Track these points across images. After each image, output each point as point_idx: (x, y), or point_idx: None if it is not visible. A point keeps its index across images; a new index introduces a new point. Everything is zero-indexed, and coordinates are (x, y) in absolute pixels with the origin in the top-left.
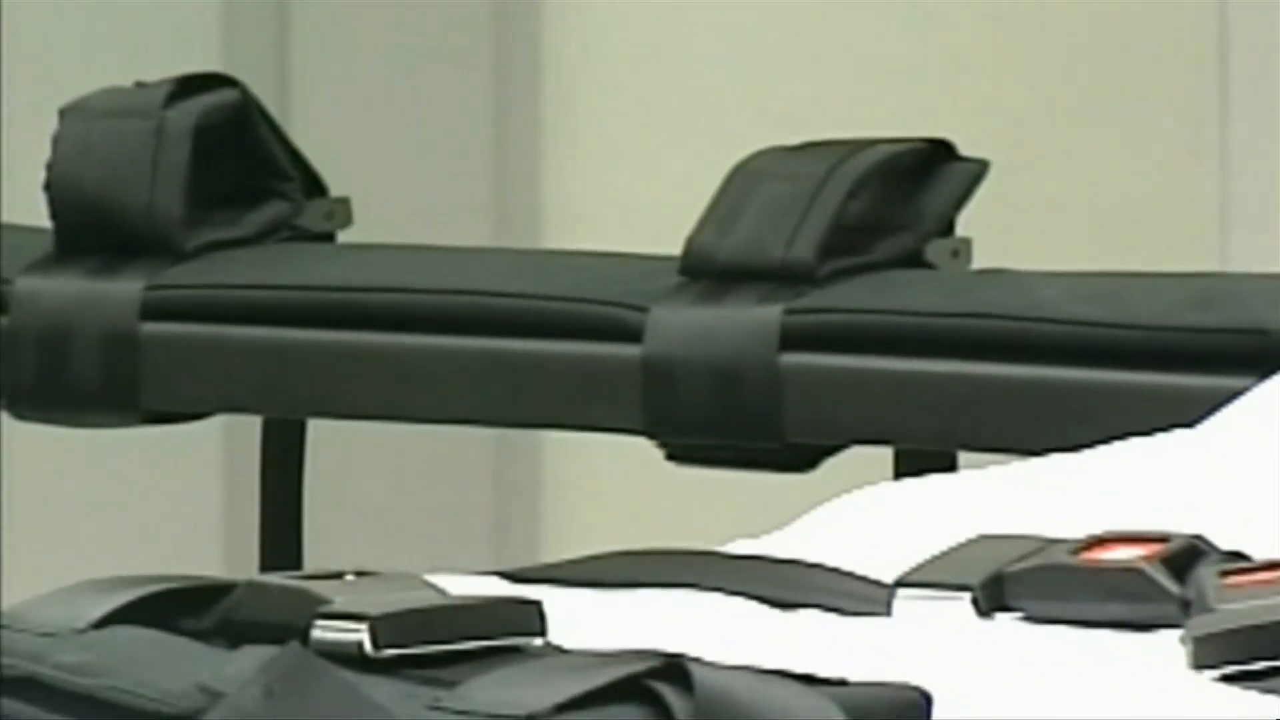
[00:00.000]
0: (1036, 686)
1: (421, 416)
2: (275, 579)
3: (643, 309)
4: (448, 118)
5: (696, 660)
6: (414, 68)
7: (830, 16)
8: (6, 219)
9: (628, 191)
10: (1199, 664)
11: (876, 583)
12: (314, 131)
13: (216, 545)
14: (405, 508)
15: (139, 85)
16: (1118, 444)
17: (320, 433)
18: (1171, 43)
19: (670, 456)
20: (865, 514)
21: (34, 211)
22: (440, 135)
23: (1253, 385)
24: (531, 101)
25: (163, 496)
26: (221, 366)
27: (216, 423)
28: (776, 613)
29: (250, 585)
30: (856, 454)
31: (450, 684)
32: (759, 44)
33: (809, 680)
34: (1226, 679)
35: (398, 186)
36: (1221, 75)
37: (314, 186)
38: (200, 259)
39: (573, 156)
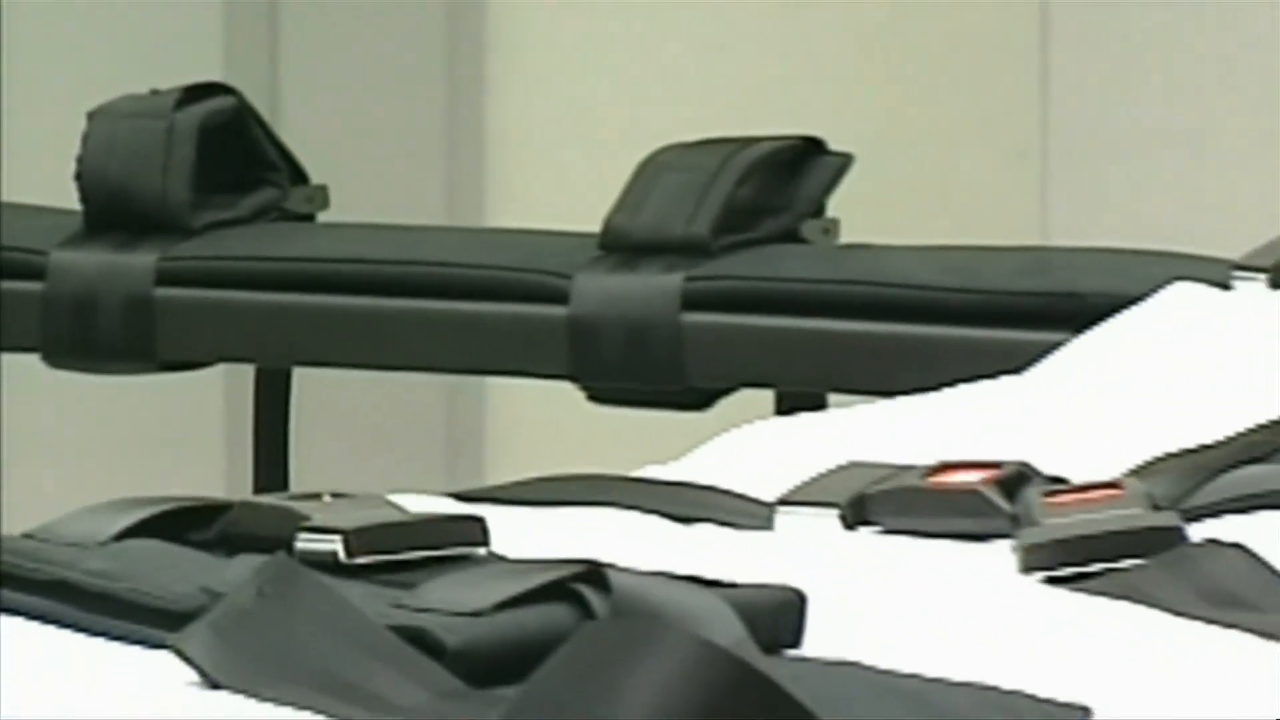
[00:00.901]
0: (892, 587)
1: (387, 365)
2: (265, 500)
3: (568, 276)
4: (408, 120)
5: (613, 567)
6: (382, 83)
7: (727, 37)
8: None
9: (557, 180)
10: (1026, 568)
11: (760, 502)
12: (298, 131)
13: (218, 472)
14: (374, 441)
15: (154, 93)
16: (960, 387)
17: (304, 379)
18: (999, 57)
19: (591, 398)
20: (752, 445)
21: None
22: (402, 134)
23: (1069, 339)
24: (477, 107)
25: (173, 432)
26: (222, 324)
27: (218, 370)
28: (678, 527)
29: (245, 505)
30: (744, 395)
31: (409, 586)
32: (669, 58)
33: (705, 583)
34: (1048, 581)
35: (366, 176)
36: (1043, 83)
37: (298, 176)
38: (205, 235)
39: (512, 151)
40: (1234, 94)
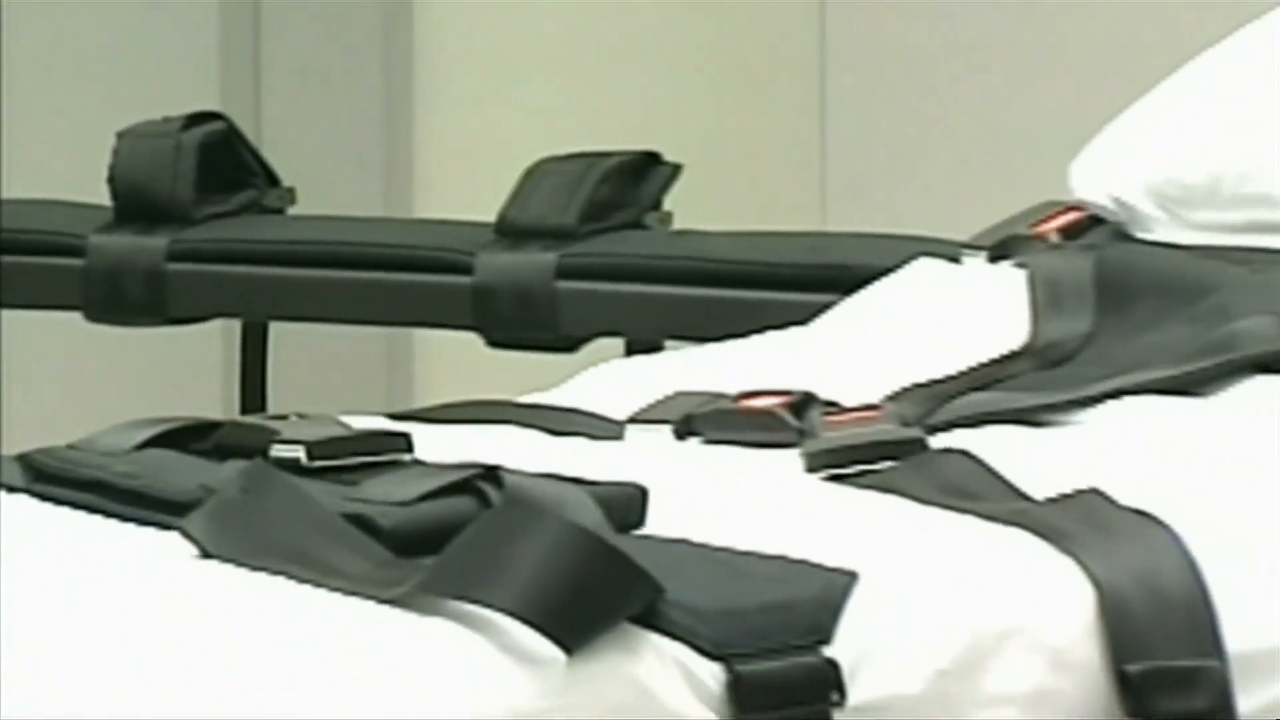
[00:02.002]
0: (711, 483)
1: (340, 320)
2: (248, 419)
3: (472, 254)
4: (357, 140)
5: (504, 469)
6: (337, 115)
7: (597, 73)
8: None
9: (465, 183)
10: (810, 469)
11: (614, 420)
12: (274, 146)
13: (215, 400)
14: (331, 376)
15: (166, 119)
16: (760, 336)
17: (278, 330)
18: (787, 95)
19: (490, 344)
20: (607, 379)
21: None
22: (351, 150)
23: (840, 300)
24: (408, 131)
25: (181, 370)
26: (217, 290)
27: (215, 325)
28: (553, 439)
29: (233, 423)
30: (602, 343)
31: (354, 483)
32: (551, 93)
33: (572, 480)
34: (826, 478)
35: (324, 180)
36: (821, 105)
37: (273, 180)
38: (204, 224)
39: (433, 163)
40: (976, 105)
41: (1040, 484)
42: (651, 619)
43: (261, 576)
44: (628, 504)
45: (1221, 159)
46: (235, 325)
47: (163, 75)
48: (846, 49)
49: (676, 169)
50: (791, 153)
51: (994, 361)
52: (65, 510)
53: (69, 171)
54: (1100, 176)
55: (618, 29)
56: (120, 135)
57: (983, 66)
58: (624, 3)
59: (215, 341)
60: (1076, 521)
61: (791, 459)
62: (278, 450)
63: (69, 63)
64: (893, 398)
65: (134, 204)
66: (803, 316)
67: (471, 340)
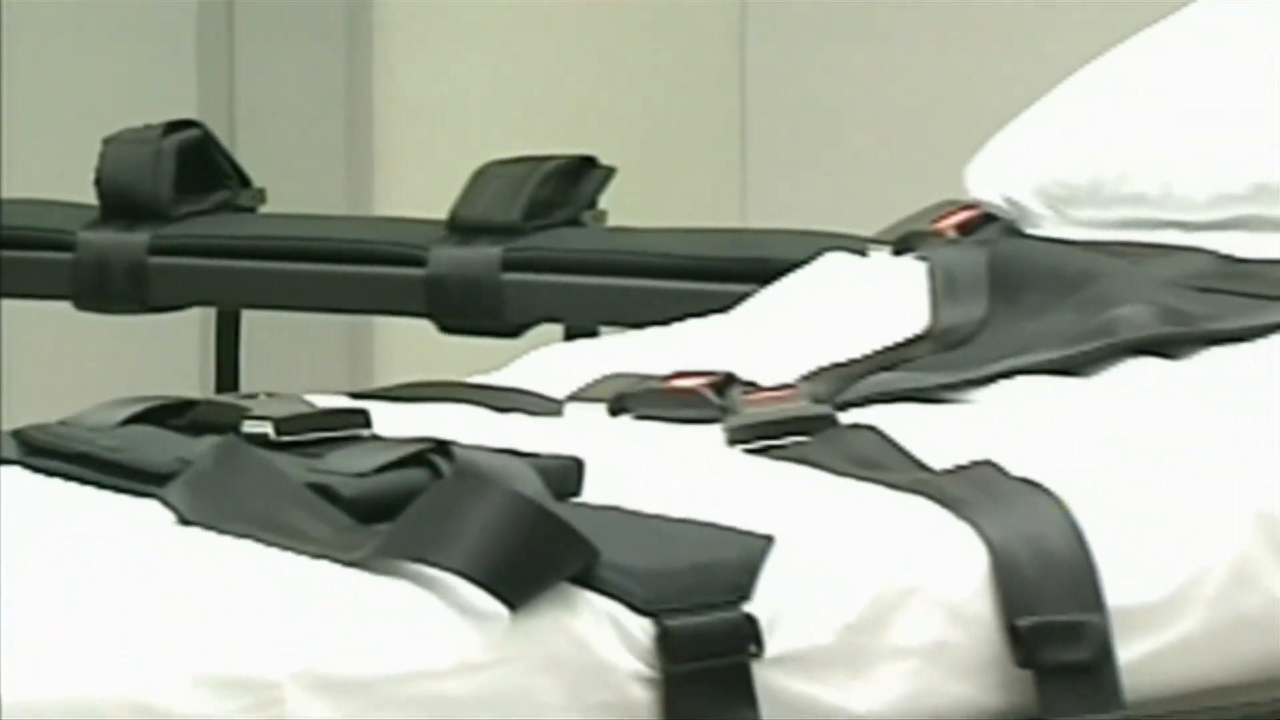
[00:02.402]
0: (640, 455)
1: (306, 308)
2: (222, 398)
3: (426, 248)
4: (321, 146)
5: (454, 443)
6: (303, 124)
7: (530, 86)
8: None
9: (421, 183)
10: (730, 443)
11: (553, 398)
12: (247, 151)
13: (192, 380)
14: (297, 358)
15: (147, 127)
16: (687, 322)
17: (249, 318)
18: (710, 113)
19: (442, 330)
20: (548, 361)
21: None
22: (316, 156)
23: (758, 290)
24: (368, 138)
25: (162, 354)
26: (193, 281)
27: (193, 312)
28: (498, 415)
29: (208, 402)
30: (544, 328)
31: (317, 455)
32: (499, 102)
33: (515, 453)
34: (746, 451)
35: (292, 182)
36: (742, 105)
37: (244, 182)
38: (182, 221)
39: (392, 166)
40: (882, 113)
41: (939, 456)
42: (588, 579)
43: (234, 540)
44: (565, 474)
45: (1102, 162)
46: (211, 313)
47: (145, 86)
48: (765, 65)
49: (610, 171)
50: (715, 157)
51: (897, 345)
52: (56, 480)
53: (59, 173)
54: (993, 178)
55: (557, 45)
56: (106, 141)
57: (888, 78)
58: (563, 21)
59: (193, 328)
60: (972, 490)
61: (714, 434)
62: (248, 426)
63: (61, 75)
64: (806, 378)
65: (118, 203)
66: (724, 305)
67: (425, 327)
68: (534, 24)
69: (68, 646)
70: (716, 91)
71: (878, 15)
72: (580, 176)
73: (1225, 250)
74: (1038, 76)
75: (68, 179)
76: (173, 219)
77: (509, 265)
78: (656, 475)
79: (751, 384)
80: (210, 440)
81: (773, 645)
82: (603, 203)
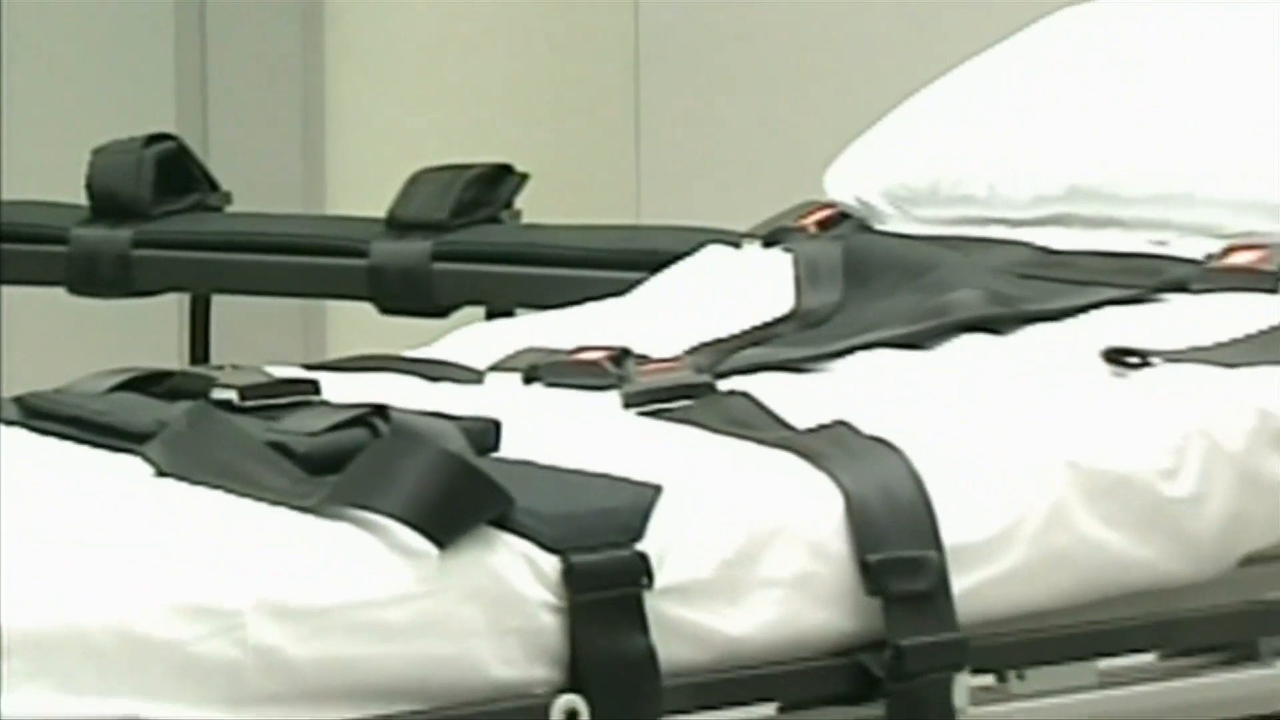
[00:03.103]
0: (550, 416)
1: (267, 293)
2: (194, 369)
3: (368, 242)
4: (280, 155)
5: (391, 407)
6: (267, 136)
7: (458, 105)
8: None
9: (367, 186)
10: (625, 406)
11: (476, 369)
12: (217, 160)
13: (171, 354)
14: (259, 335)
15: (130, 139)
16: (588, 305)
17: (218, 301)
18: (606, 124)
19: (382, 311)
20: (471, 338)
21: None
22: (275, 164)
23: (649, 277)
24: (320, 145)
25: (144, 332)
26: (170, 270)
27: (170, 297)
28: (429, 384)
29: (183, 372)
30: (468, 310)
31: (274, 418)
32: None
33: (443, 416)
34: (638, 414)
35: (254, 185)
36: (637, 124)
37: (213, 186)
38: (160, 220)
39: (343, 170)
40: (757, 125)
41: (801, 417)
42: (504, 522)
43: (203, 490)
44: (485, 433)
45: (939, 168)
46: (185, 298)
47: (128, 104)
48: (656, 85)
49: (524, 177)
50: (614, 165)
51: (767, 324)
52: (51, 439)
53: (52, 178)
54: (847, 181)
55: (479, 75)
56: (95, 151)
57: (764, 97)
58: (484, 50)
59: (170, 311)
60: (829, 446)
61: (612, 399)
62: (216, 393)
63: (54, 93)
64: (690, 351)
65: (105, 204)
66: (620, 290)
67: (367, 309)
68: (458, 57)
69: (61, 580)
70: (615, 109)
71: (755, 46)
72: (499, 181)
73: (1042, 243)
74: (888, 95)
75: (61, 183)
76: (152, 217)
77: (438, 257)
78: (563, 434)
79: (643, 357)
80: (184, 405)
81: (661, 578)
82: (518, 203)
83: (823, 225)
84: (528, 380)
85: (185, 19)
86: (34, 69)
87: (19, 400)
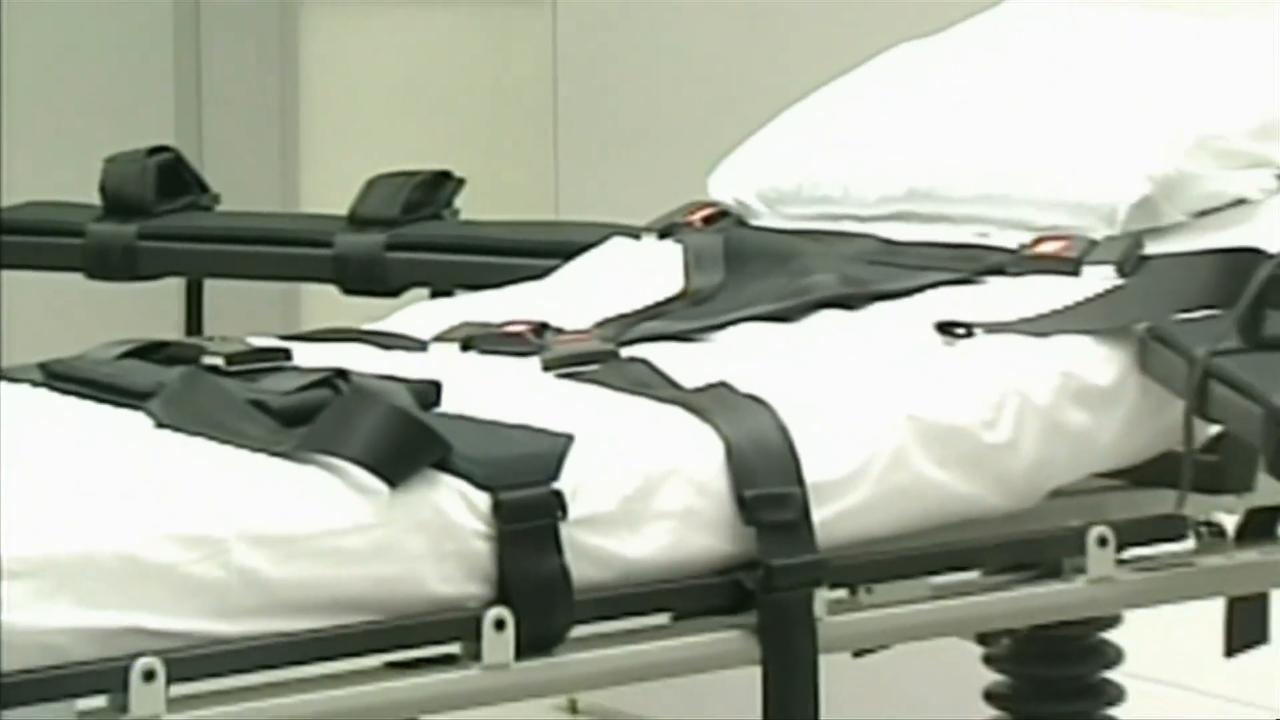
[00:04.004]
0: (480, 378)
1: (250, 277)
2: (189, 340)
3: (334, 234)
4: (259, 163)
5: (351, 371)
6: (249, 148)
7: (406, 125)
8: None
9: (334, 187)
10: (544, 369)
11: (421, 340)
12: (211, 166)
13: (172, 327)
14: (243, 311)
15: (136, 150)
16: (518, 286)
17: (210, 286)
18: (527, 121)
19: (344, 292)
20: (417, 314)
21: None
22: (256, 171)
23: (564, 264)
24: (295, 154)
25: (148, 309)
26: (169, 258)
27: (171, 281)
28: (383, 352)
29: (179, 342)
30: (416, 291)
31: (254, 380)
32: (388, 129)
33: (394, 378)
34: (556, 376)
35: (239, 188)
36: (555, 127)
37: (205, 188)
38: (161, 217)
39: (314, 176)
40: (657, 135)
41: (689, 378)
42: (444, 465)
43: (195, 439)
44: (428, 392)
45: (802, 173)
46: (183, 281)
47: (134, 120)
48: (571, 108)
49: (461, 181)
50: (536, 173)
51: (661, 302)
52: (70, 397)
53: (75, 182)
54: (728, 184)
55: (425, 97)
56: (107, 160)
57: (658, 115)
58: (428, 83)
59: (171, 291)
60: (712, 402)
61: (533, 364)
62: (206, 359)
63: (73, 109)
64: (598, 325)
65: (115, 203)
66: (541, 274)
67: (332, 290)
68: (408, 88)
69: (78, 513)
70: (537, 130)
71: (653, 77)
72: (440, 185)
73: (885, 235)
74: (765, 111)
75: (82, 187)
76: (154, 215)
77: (390, 247)
78: (493, 393)
79: (559, 329)
80: (179, 369)
81: (573, 511)
82: (457, 203)
83: (707, 221)
84: (464, 349)
85: (183, 52)
86: (55, 92)
87: (42, 365)
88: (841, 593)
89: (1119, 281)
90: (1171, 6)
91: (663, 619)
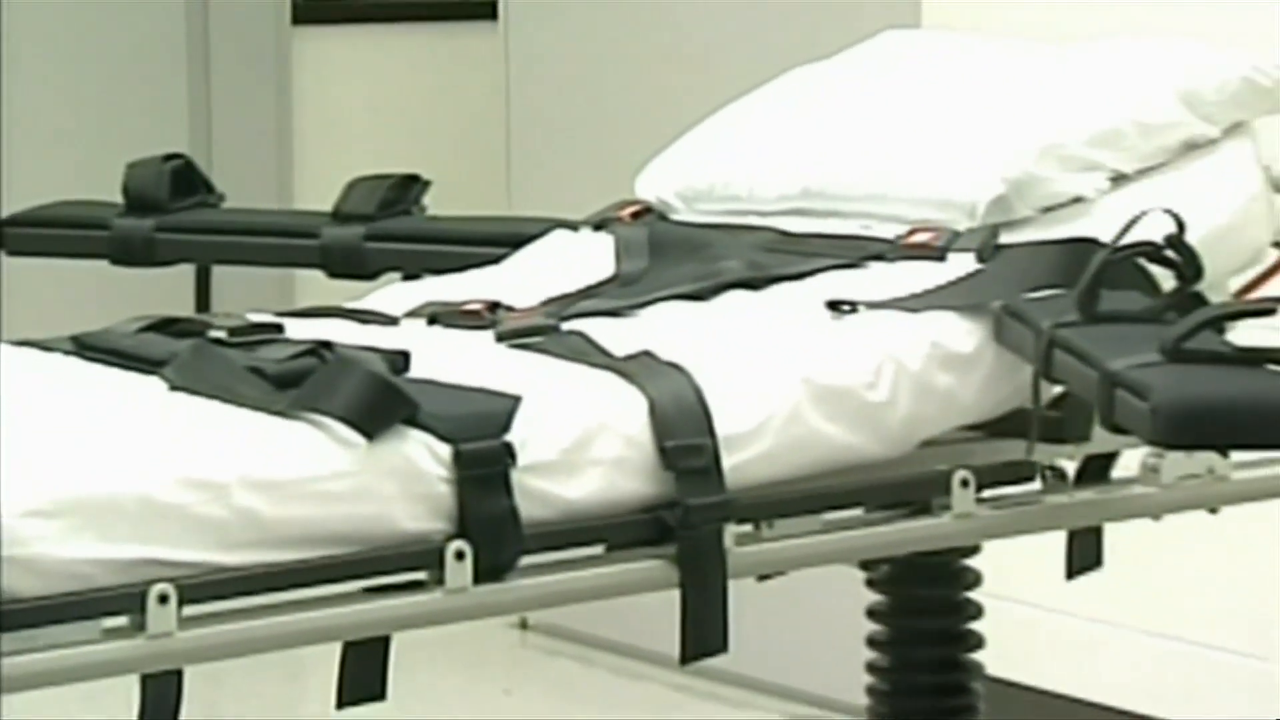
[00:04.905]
0: (444, 346)
1: (250, 263)
2: (198, 316)
3: (320, 227)
4: (258, 168)
5: (334, 342)
6: (249, 155)
7: (383, 143)
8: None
9: (324, 187)
10: (497, 340)
11: (394, 315)
12: (219, 171)
13: (185, 306)
14: (244, 291)
15: (153, 157)
16: (474, 270)
17: (217, 271)
18: (482, 138)
19: (329, 276)
20: (392, 294)
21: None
22: (255, 175)
23: (514, 252)
24: (289, 158)
25: (165, 290)
26: (182, 248)
27: (183, 267)
28: (361, 326)
29: (189, 319)
30: (390, 275)
31: (253, 349)
32: (368, 142)
33: (370, 348)
34: (508, 347)
35: (243, 190)
36: (507, 125)
37: (211, 189)
38: (174, 213)
39: (307, 176)
40: (597, 141)
41: (619, 348)
42: (413, 421)
43: (202, 400)
44: (399, 360)
45: (714, 174)
46: (194, 267)
47: (150, 130)
48: (521, 122)
49: (428, 183)
50: (491, 177)
51: (596, 284)
52: (97, 364)
53: (99, 184)
54: (651, 184)
55: (398, 116)
56: (129, 165)
57: (599, 119)
58: (400, 106)
59: (184, 276)
60: (638, 368)
61: (488, 336)
62: (212, 333)
63: (99, 123)
64: (543, 303)
65: (136, 202)
66: (495, 260)
67: (319, 275)
68: (385, 108)
69: (102, 460)
70: (491, 144)
71: (591, 95)
72: (410, 186)
73: (783, 228)
74: (684, 122)
75: (107, 188)
76: (169, 211)
77: (368, 238)
78: (453, 361)
79: (510, 307)
80: (189, 341)
81: (521, 459)
82: (425, 201)
83: (635, 216)
84: (430, 323)
85: (195, 75)
86: (88, 110)
87: (74, 338)
88: (747, 527)
89: (978, 266)
90: (1022, 37)
91: (597, 550)
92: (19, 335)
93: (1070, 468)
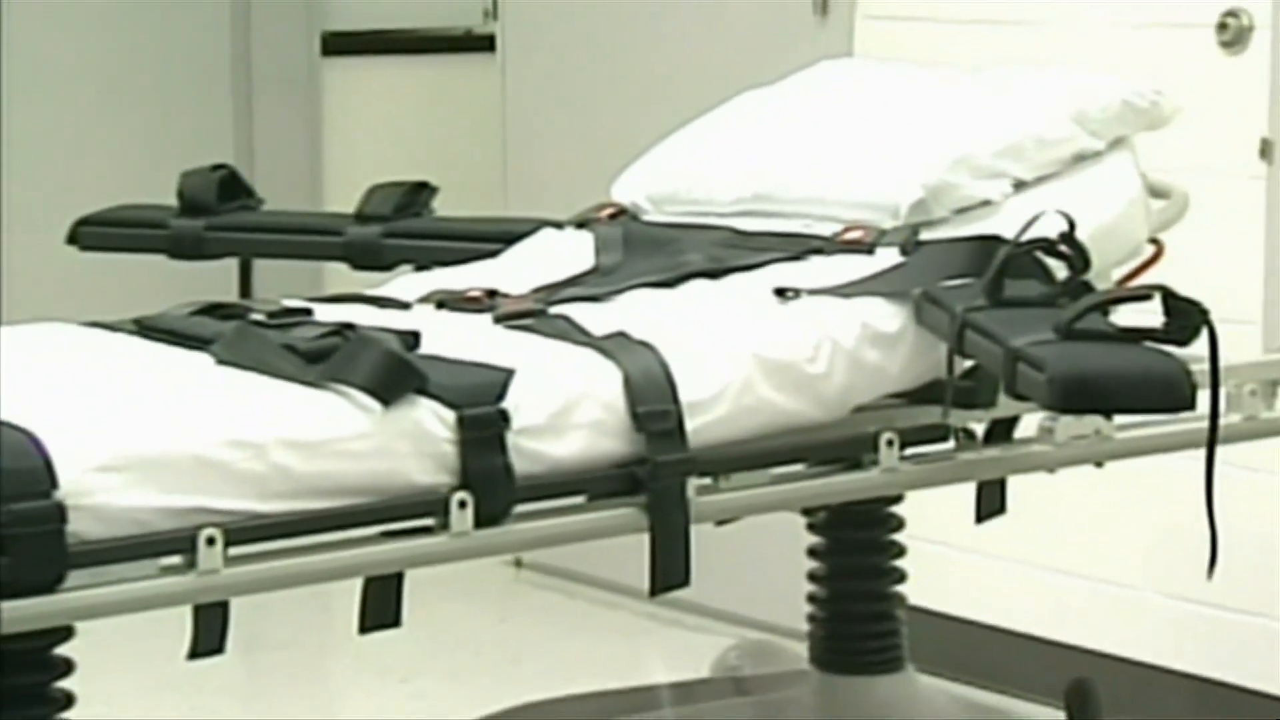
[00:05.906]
0: (450, 329)
1: (285, 256)
2: (240, 301)
3: (345, 227)
4: (291, 177)
5: (355, 324)
6: (285, 164)
7: (399, 155)
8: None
9: (349, 194)
10: (495, 322)
11: (407, 301)
12: (261, 179)
13: (232, 289)
14: (280, 281)
15: (203, 167)
16: (476, 263)
17: (258, 262)
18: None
19: (353, 268)
20: (405, 283)
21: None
22: (288, 182)
23: (509, 247)
24: (319, 169)
25: (215, 279)
26: (227, 243)
27: (229, 260)
28: (378, 309)
29: (232, 303)
30: (404, 266)
31: (287, 330)
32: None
33: (386, 329)
34: (504, 328)
35: (279, 194)
36: (504, 130)
37: (252, 194)
38: (222, 215)
39: (334, 185)
40: (580, 147)
41: (597, 329)
42: (423, 390)
43: (245, 372)
44: (411, 339)
45: (678, 180)
46: (238, 260)
47: (199, 146)
48: (516, 138)
49: (436, 189)
50: (489, 183)
51: (578, 275)
52: (155, 343)
53: (159, 191)
54: (626, 189)
55: (416, 132)
56: (184, 174)
57: (582, 135)
58: (411, 116)
59: (229, 268)
60: (614, 345)
61: (486, 319)
62: (253, 316)
63: (156, 135)
64: (534, 291)
65: (189, 204)
66: (493, 254)
67: (344, 267)
68: (403, 128)
69: (158, 422)
70: (489, 156)
71: (582, 105)
72: (421, 191)
73: (738, 227)
74: (652, 137)
75: (164, 193)
76: (217, 213)
77: (385, 235)
78: (457, 339)
79: (505, 294)
80: (233, 323)
81: (515, 423)
82: (434, 204)
83: (612, 216)
84: (437, 308)
85: (239, 97)
86: (151, 128)
87: (135, 320)
88: (707, 480)
89: (902, 259)
90: (939, 65)
91: (579, 500)
92: (89, 318)
93: (979, 429)
